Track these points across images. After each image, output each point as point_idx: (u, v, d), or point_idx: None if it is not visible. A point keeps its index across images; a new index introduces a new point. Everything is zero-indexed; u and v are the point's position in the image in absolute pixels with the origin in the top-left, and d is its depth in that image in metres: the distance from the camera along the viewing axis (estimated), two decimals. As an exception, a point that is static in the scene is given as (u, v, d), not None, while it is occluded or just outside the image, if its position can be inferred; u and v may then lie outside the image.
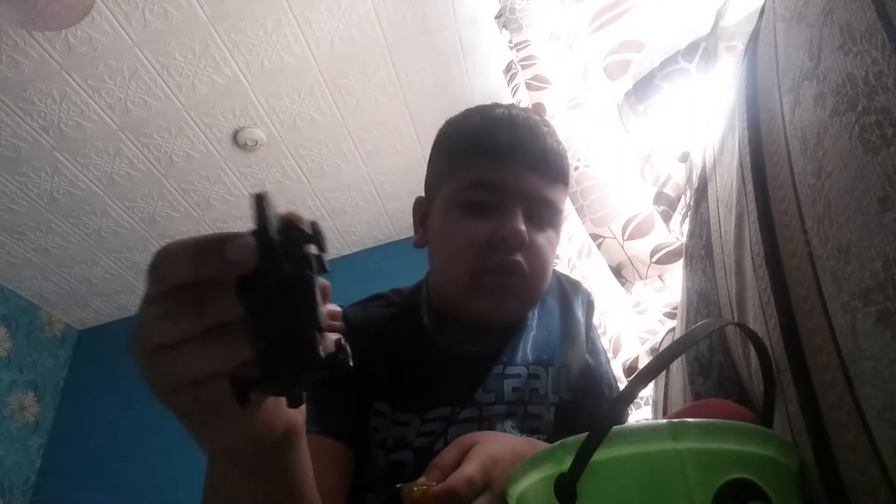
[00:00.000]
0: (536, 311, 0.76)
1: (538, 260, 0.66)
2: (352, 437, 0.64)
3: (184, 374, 0.32)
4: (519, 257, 0.64)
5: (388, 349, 0.70)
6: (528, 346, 0.72)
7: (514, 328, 0.73)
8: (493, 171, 0.66)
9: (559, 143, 0.71)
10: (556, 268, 0.79)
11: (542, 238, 0.67)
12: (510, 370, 0.70)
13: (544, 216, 0.68)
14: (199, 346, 0.30)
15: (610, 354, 1.38)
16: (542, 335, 0.74)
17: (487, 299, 0.66)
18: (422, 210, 0.76)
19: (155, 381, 0.34)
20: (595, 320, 0.84)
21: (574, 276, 1.63)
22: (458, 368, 0.70)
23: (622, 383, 1.21)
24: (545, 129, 0.71)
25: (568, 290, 0.80)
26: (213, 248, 0.31)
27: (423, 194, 0.77)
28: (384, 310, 0.75)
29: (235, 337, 0.30)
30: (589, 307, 0.81)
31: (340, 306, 0.74)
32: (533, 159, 0.67)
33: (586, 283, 1.43)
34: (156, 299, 0.30)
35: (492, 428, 0.65)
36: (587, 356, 0.77)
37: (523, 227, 0.63)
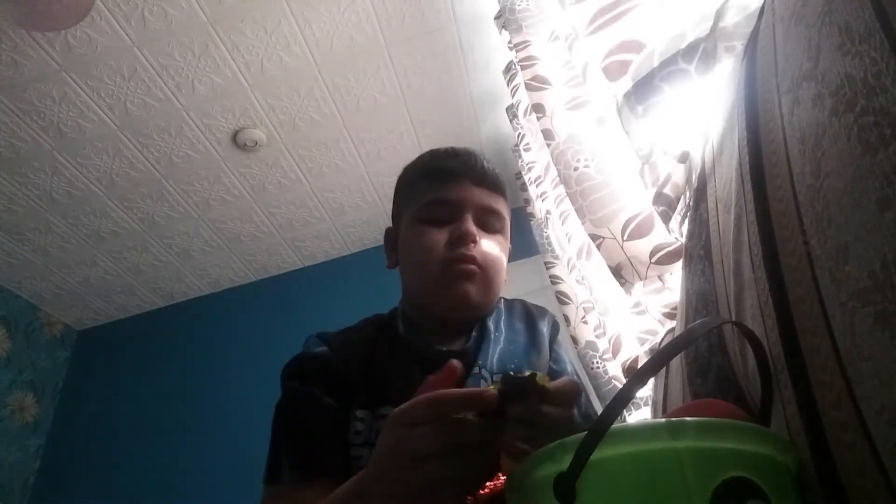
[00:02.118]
0: (503, 327, 0.87)
1: (489, 255, 0.81)
2: (339, 471, 0.67)
3: (434, 476, 0.45)
4: (473, 250, 0.79)
5: (367, 360, 0.78)
6: (495, 356, 0.81)
7: (482, 334, 0.82)
8: (444, 190, 0.83)
9: (494, 167, 0.89)
10: (523, 298, 0.96)
11: (490, 240, 0.83)
12: (485, 373, 0.77)
13: (490, 222, 0.85)
14: (446, 460, 0.45)
15: (609, 354, 1.38)
16: (508, 348, 0.84)
17: (456, 285, 0.79)
18: (391, 237, 0.92)
19: (407, 482, 0.46)
20: (562, 335, 0.96)
21: (574, 276, 1.63)
22: (436, 368, 0.74)
23: (622, 383, 1.21)
24: (481, 156, 0.89)
25: (534, 314, 0.93)
26: (472, 399, 0.47)
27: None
28: (362, 331, 0.86)
29: (471, 454, 0.46)
30: (554, 326, 0.93)
31: (320, 334, 0.84)
32: (476, 177, 0.85)
33: (585, 284, 1.43)
34: (418, 425, 0.46)
35: None
36: (551, 363, 0.88)
37: (474, 228, 0.80)
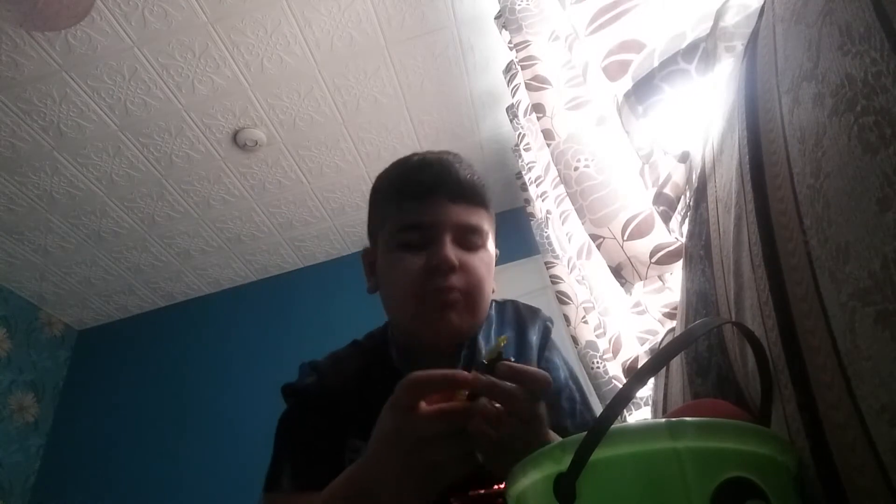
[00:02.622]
0: (493, 338, 0.83)
1: (472, 277, 0.75)
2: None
3: (437, 457, 0.49)
4: (453, 279, 0.73)
5: (360, 392, 0.76)
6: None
7: (473, 351, 0.79)
8: (416, 212, 0.76)
9: (474, 174, 0.80)
10: (516, 299, 0.92)
11: (473, 258, 0.76)
12: None
13: (471, 239, 0.77)
14: (449, 441, 0.49)
15: (609, 354, 1.38)
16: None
17: (435, 317, 0.74)
18: (368, 258, 0.86)
19: (410, 465, 0.49)
20: (558, 337, 0.91)
21: (574, 276, 1.63)
22: None
23: (622, 383, 1.21)
24: (458, 165, 0.80)
25: (525, 319, 0.88)
26: (454, 378, 0.51)
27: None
28: (354, 360, 0.84)
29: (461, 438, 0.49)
30: (544, 331, 0.88)
31: (312, 364, 0.84)
32: (450, 192, 0.76)
33: (586, 284, 1.43)
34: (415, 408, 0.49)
35: None
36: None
37: (451, 254, 0.73)
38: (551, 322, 0.90)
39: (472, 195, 0.79)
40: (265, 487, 0.72)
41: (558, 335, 0.93)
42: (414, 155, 0.83)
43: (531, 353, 0.83)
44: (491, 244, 0.81)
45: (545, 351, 0.85)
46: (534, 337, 0.85)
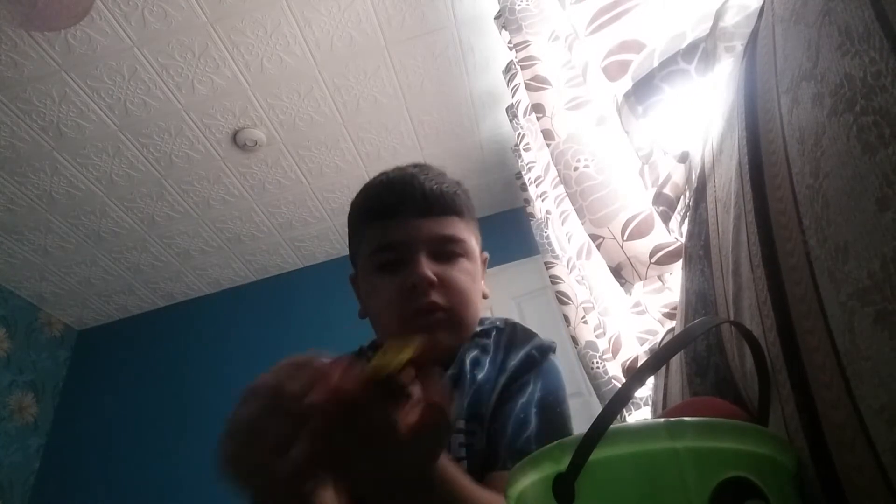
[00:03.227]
0: (486, 364, 0.78)
1: (453, 290, 0.73)
2: None
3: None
4: (434, 296, 0.71)
5: None
6: (465, 402, 0.74)
7: (459, 373, 0.76)
8: (386, 233, 0.75)
9: (441, 183, 0.78)
10: (518, 322, 0.85)
11: (452, 270, 0.74)
12: (460, 424, 0.73)
13: (448, 250, 0.75)
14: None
15: (609, 354, 1.38)
16: (483, 388, 0.75)
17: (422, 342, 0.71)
18: (355, 284, 0.84)
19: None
20: (549, 368, 0.79)
21: (574, 276, 1.63)
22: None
23: (621, 383, 1.20)
24: (423, 177, 0.78)
25: (514, 344, 0.80)
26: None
27: None
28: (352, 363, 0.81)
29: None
30: (527, 359, 0.78)
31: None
32: (418, 208, 0.75)
33: (585, 284, 1.43)
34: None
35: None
36: (496, 402, 0.75)
37: (427, 271, 0.71)
38: (540, 352, 0.80)
39: (440, 206, 0.77)
40: None
41: (561, 349, 0.85)
42: (380, 175, 0.82)
43: (501, 378, 0.76)
44: (473, 250, 0.79)
45: (523, 375, 0.76)
46: (512, 362, 0.78)
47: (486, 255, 0.84)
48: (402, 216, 0.75)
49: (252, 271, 3.14)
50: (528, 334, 0.83)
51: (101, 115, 2.22)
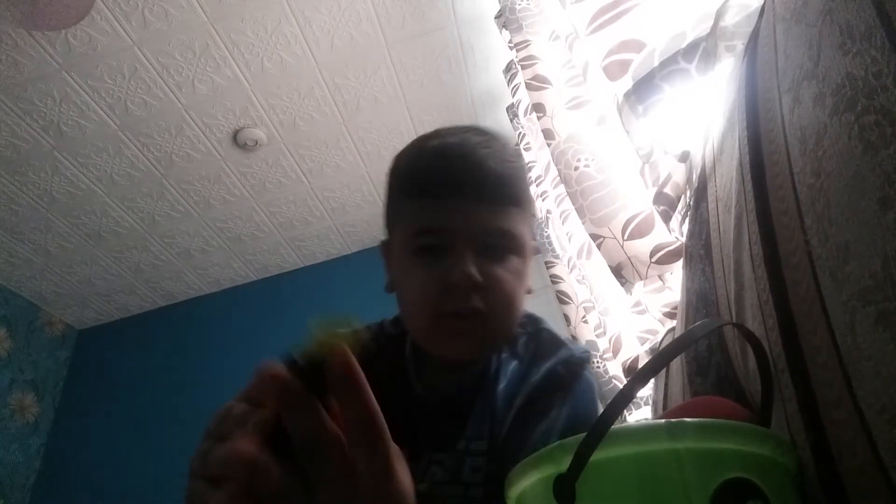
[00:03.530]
0: (510, 374, 0.68)
1: (498, 294, 0.64)
2: None
3: None
4: (474, 300, 0.62)
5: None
6: (486, 423, 0.66)
7: (483, 374, 0.68)
8: (432, 214, 0.64)
9: (504, 162, 0.66)
10: (551, 329, 0.73)
11: (500, 270, 0.64)
12: (474, 446, 0.65)
13: (500, 245, 0.65)
14: None
15: (609, 354, 1.38)
16: (493, 409, 0.67)
17: (448, 343, 0.65)
18: (386, 256, 0.74)
19: None
20: (583, 388, 0.67)
21: (574, 275, 1.63)
22: (437, 412, 0.68)
23: (622, 383, 1.20)
24: (484, 151, 0.66)
25: (539, 356, 0.70)
26: None
27: None
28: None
29: None
30: (550, 374, 0.66)
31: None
32: (473, 192, 0.64)
33: (586, 283, 1.43)
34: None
35: (459, 475, 0.63)
36: (511, 431, 0.64)
37: (472, 269, 0.61)
38: (567, 367, 0.67)
39: (499, 193, 0.65)
40: None
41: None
42: (434, 136, 0.69)
43: (518, 396, 0.66)
44: (525, 245, 0.69)
45: (545, 396, 0.65)
46: (534, 377, 0.67)
47: (537, 244, 0.73)
48: (454, 199, 0.64)
49: (252, 271, 3.14)
50: (554, 344, 0.71)
51: (101, 115, 2.22)
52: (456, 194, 0.64)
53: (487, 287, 0.63)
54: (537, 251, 0.73)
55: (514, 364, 0.70)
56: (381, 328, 0.78)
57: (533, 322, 0.74)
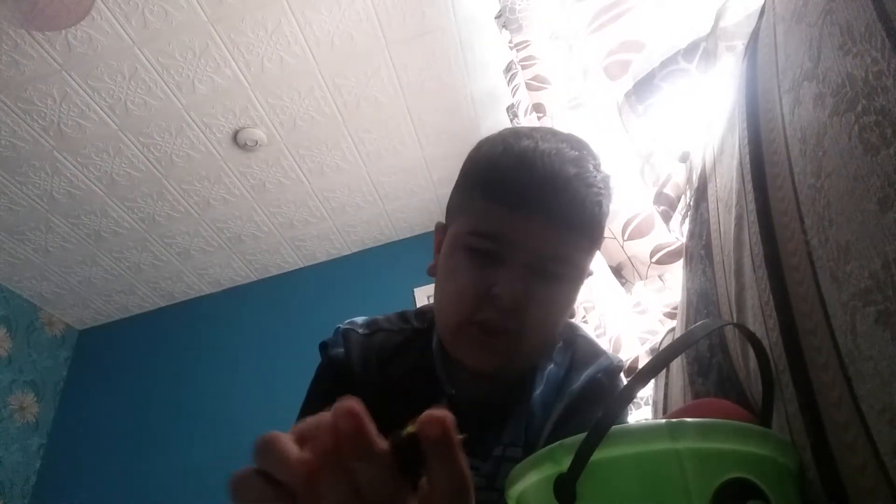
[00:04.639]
0: (541, 382, 0.68)
1: (536, 317, 0.60)
2: None
3: None
4: (510, 320, 0.60)
5: (380, 383, 0.68)
6: (525, 426, 0.66)
7: (522, 388, 0.67)
8: (499, 220, 0.61)
9: (591, 187, 0.61)
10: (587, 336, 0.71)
11: (546, 294, 0.61)
12: (511, 452, 0.65)
13: (555, 271, 0.61)
14: None
15: (610, 354, 1.38)
16: (530, 417, 0.66)
17: (470, 351, 0.62)
18: (438, 237, 0.71)
19: None
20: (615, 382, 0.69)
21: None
22: (470, 416, 0.65)
23: (622, 383, 1.20)
24: (574, 170, 0.60)
25: (577, 365, 0.70)
26: None
27: (437, 203, 0.73)
28: (391, 339, 0.72)
29: None
30: (592, 383, 0.67)
31: (347, 325, 0.73)
32: (549, 212, 0.59)
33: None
34: None
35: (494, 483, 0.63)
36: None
37: (521, 287, 0.58)
38: (608, 375, 0.69)
39: (576, 220, 0.61)
40: None
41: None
42: (527, 135, 0.63)
43: (557, 405, 0.66)
44: (581, 275, 0.65)
45: (587, 405, 0.65)
46: (574, 385, 0.67)
47: (593, 271, 0.70)
48: (525, 212, 0.60)
49: (252, 271, 3.14)
50: (593, 351, 0.71)
51: (101, 115, 2.22)
52: (530, 208, 0.60)
53: (530, 308, 0.60)
54: (591, 274, 0.70)
55: (550, 368, 0.68)
56: (405, 320, 0.76)
57: (569, 328, 0.73)
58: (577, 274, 0.64)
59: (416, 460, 0.31)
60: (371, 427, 0.31)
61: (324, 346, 0.75)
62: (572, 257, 0.62)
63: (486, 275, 0.60)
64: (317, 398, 0.70)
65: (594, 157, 0.66)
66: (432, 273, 0.69)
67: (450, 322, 0.63)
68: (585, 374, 0.67)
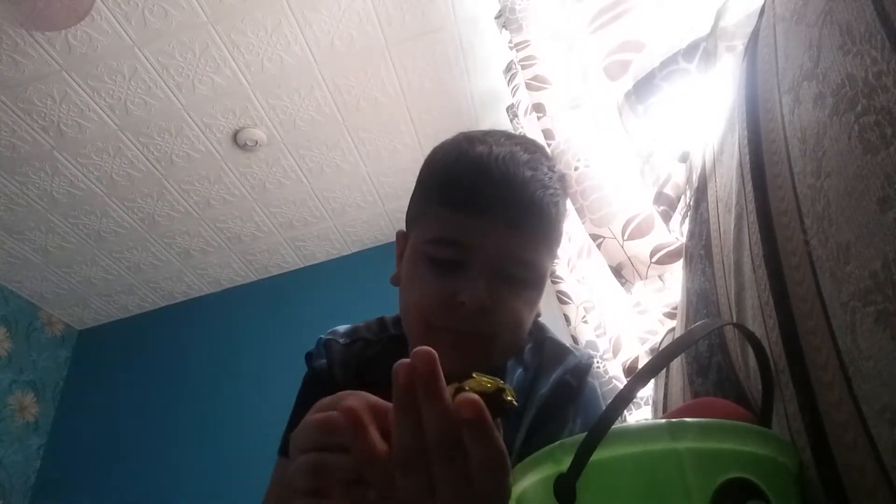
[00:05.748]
0: (513, 386, 0.69)
1: (501, 321, 0.61)
2: None
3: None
4: (478, 324, 0.60)
5: (360, 377, 0.71)
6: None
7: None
8: (458, 227, 0.61)
9: (547, 189, 0.62)
10: (556, 338, 0.72)
11: (510, 296, 0.61)
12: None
13: (518, 275, 0.62)
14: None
15: (609, 354, 1.38)
16: (511, 425, 0.65)
17: (441, 355, 0.63)
18: (400, 246, 0.72)
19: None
20: (588, 396, 0.69)
21: (574, 275, 1.63)
22: None
23: (622, 383, 1.20)
24: (529, 172, 0.61)
25: (544, 365, 0.70)
26: None
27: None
28: (371, 347, 0.75)
29: None
30: (560, 388, 0.67)
31: (329, 336, 0.77)
32: (507, 217, 0.60)
33: (586, 283, 1.43)
34: None
35: None
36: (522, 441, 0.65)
37: (484, 294, 0.59)
38: (576, 376, 0.69)
39: (534, 223, 0.61)
40: (278, 451, 0.73)
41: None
42: (481, 140, 0.64)
43: (528, 411, 0.67)
44: (544, 275, 0.66)
45: (558, 408, 0.66)
46: (542, 390, 0.68)
47: (556, 266, 0.72)
48: (485, 219, 0.60)
49: (252, 271, 3.14)
50: (559, 352, 0.71)
51: (101, 115, 2.22)
52: (489, 213, 0.60)
53: (495, 311, 0.60)
54: (553, 273, 0.70)
55: (519, 372, 0.69)
56: (382, 327, 0.78)
57: (539, 329, 0.74)
58: (538, 275, 0.64)
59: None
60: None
61: (309, 357, 0.78)
62: (532, 259, 0.63)
63: (449, 282, 0.61)
64: (304, 407, 0.72)
65: (548, 158, 0.67)
66: (396, 282, 0.70)
67: (416, 329, 0.64)
68: (553, 377, 0.68)
